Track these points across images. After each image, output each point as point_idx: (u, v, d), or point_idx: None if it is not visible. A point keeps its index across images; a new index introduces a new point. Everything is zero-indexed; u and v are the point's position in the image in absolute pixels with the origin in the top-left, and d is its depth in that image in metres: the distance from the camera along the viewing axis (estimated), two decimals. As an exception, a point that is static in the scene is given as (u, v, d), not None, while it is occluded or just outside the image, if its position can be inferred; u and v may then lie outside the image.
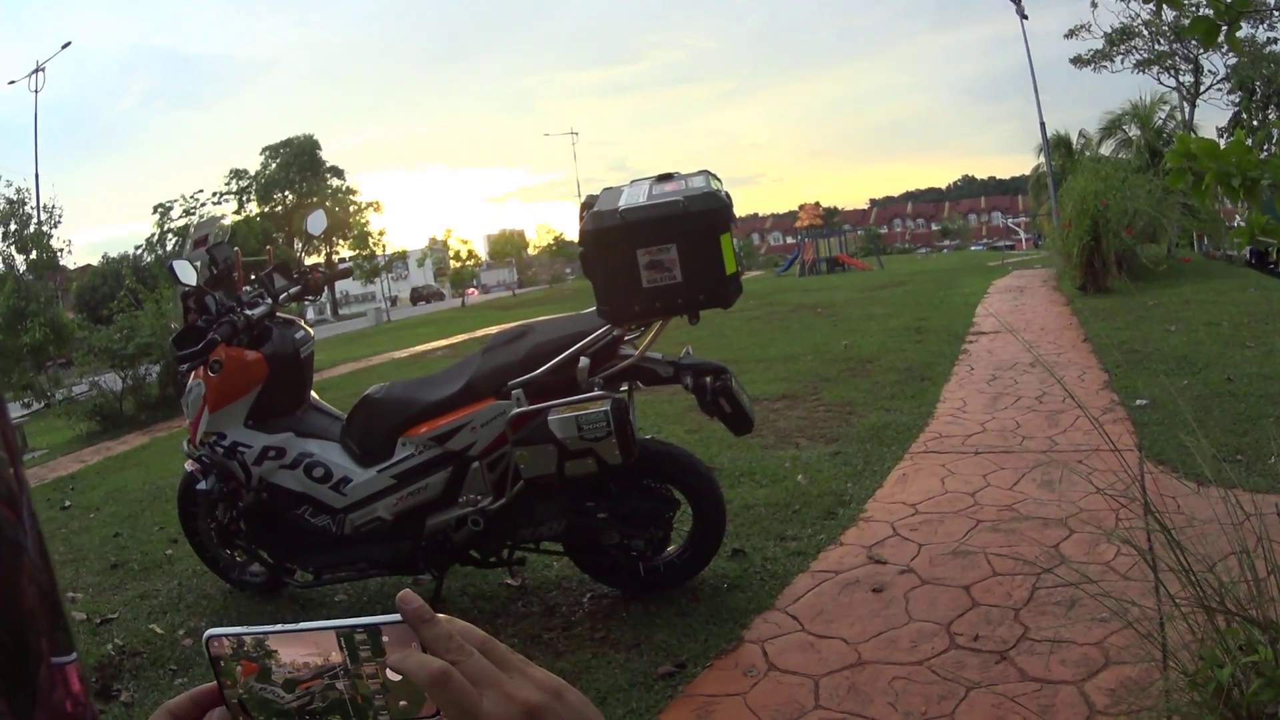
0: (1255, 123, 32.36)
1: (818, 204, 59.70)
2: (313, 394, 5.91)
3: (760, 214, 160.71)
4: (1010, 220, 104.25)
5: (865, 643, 4.36)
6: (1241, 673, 2.72)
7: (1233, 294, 14.50)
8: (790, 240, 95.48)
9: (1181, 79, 37.55)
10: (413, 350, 24.57)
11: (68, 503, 10.33)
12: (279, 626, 0.97)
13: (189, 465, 5.89)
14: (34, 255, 27.30)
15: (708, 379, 4.64)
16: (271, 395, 5.50)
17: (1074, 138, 39.42)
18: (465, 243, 72.60)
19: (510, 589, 5.70)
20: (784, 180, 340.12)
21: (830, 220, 59.44)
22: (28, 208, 28.04)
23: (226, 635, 0.96)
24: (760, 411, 7.94)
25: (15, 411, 22.61)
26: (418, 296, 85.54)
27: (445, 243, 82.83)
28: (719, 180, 4.54)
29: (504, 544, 5.24)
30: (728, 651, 4.48)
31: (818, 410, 9.48)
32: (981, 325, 14.64)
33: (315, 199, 75.39)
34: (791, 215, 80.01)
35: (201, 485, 5.67)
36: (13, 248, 27.57)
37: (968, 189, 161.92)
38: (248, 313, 5.44)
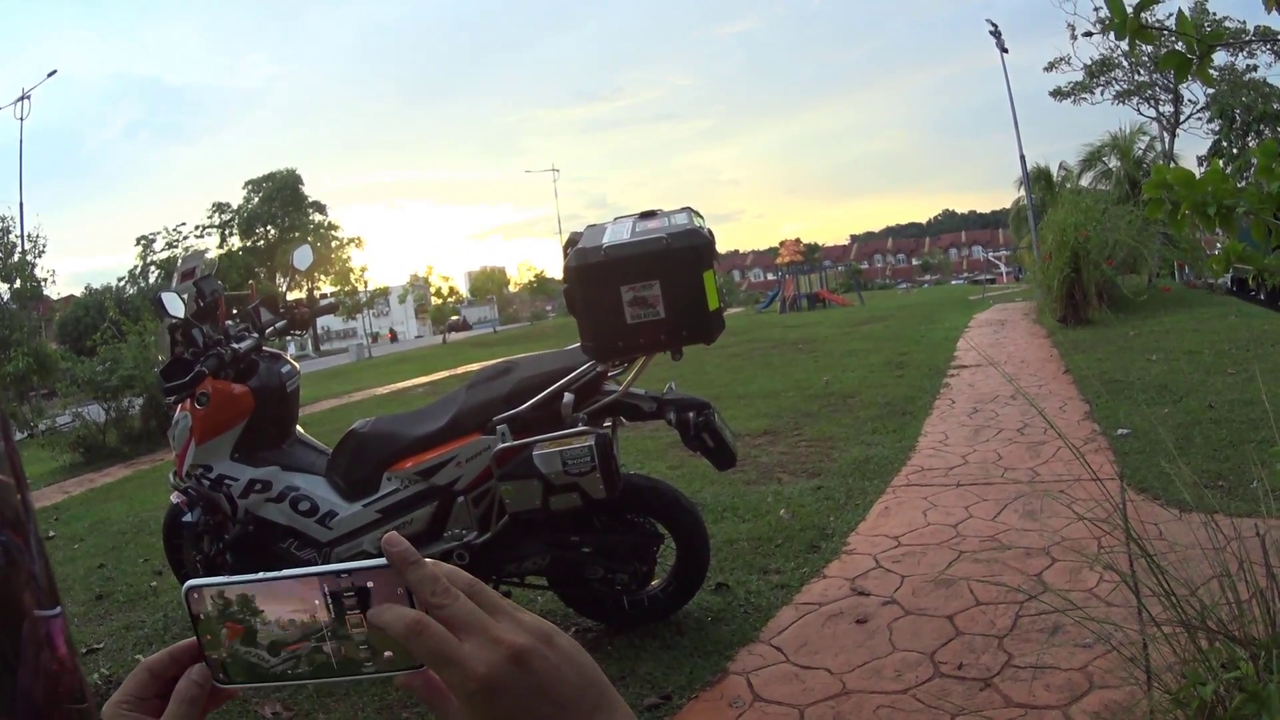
0: (1235, 150, 32.41)
1: (798, 240, 60.01)
2: (298, 428, 5.93)
3: (741, 250, 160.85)
4: (991, 254, 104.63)
5: (850, 673, 4.36)
6: (1224, 689, 2.74)
7: (1214, 322, 14.64)
8: (771, 276, 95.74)
9: (1161, 109, 37.74)
10: (394, 387, 24.73)
11: (52, 533, 10.31)
12: (262, 575, 0.96)
13: (175, 497, 5.88)
14: (17, 284, 27.27)
15: (691, 414, 4.67)
16: (258, 429, 5.53)
17: (1054, 170, 39.56)
18: (446, 279, 72.53)
19: None
20: (764, 217, 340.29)
21: (811, 256, 59.60)
22: (11, 236, 28.03)
23: (208, 588, 0.95)
24: (742, 447, 7.94)
25: None
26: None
27: (426, 279, 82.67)
28: (701, 217, 4.56)
29: (489, 578, 5.15)
30: (713, 683, 4.49)
31: (799, 445, 9.51)
32: (963, 359, 14.72)
33: (297, 234, 75.49)
34: (772, 251, 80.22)
35: (187, 517, 5.67)
36: None
37: (949, 223, 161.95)
38: (234, 346, 5.48)
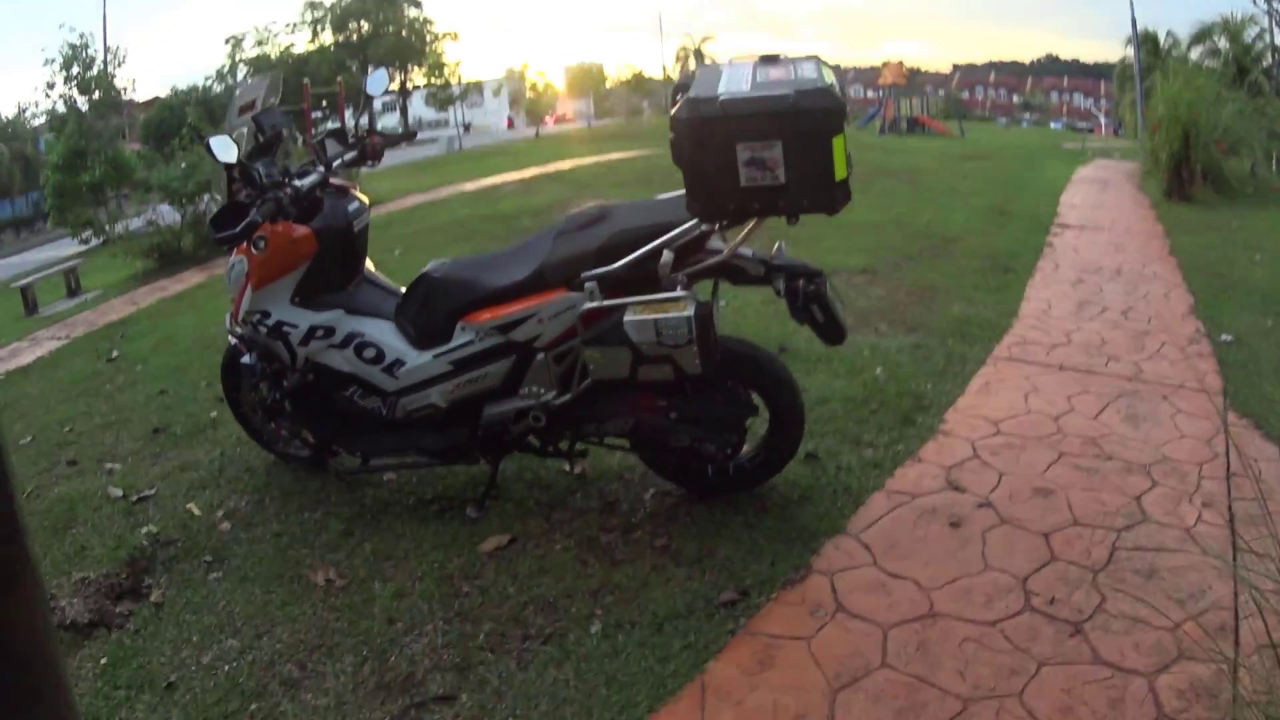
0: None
1: (901, 63, 59.51)
2: (368, 265, 5.63)
3: (842, 66, 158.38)
4: (1091, 104, 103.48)
5: (938, 589, 4.19)
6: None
7: (1319, 229, 14.22)
8: (871, 94, 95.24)
9: (1275, 3, 36.92)
10: (482, 183, 24.25)
11: (115, 353, 10.21)
12: None
13: (233, 339, 5.74)
14: (97, 96, 27.45)
15: (800, 283, 4.38)
16: (320, 271, 5.25)
17: (1161, 36, 38.96)
18: (542, 74, 72.67)
19: (569, 477, 5.57)
20: (867, 32, 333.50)
21: (913, 81, 59.03)
22: (90, 51, 28.17)
23: None
24: (841, 286, 7.63)
25: (71, 249, 23.44)
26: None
27: (522, 74, 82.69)
28: (830, 69, 4.13)
29: (565, 434, 5.07)
30: (794, 582, 4.33)
31: (899, 292, 9.30)
32: (1066, 217, 14.36)
33: (391, 28, 75.54)
34: (873, 70, 79.75)
35: (245, 359, 5.54)
36: (75, 89, 27.86)
37: (1051, 67, 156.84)
38: (296, 183, 5.09)
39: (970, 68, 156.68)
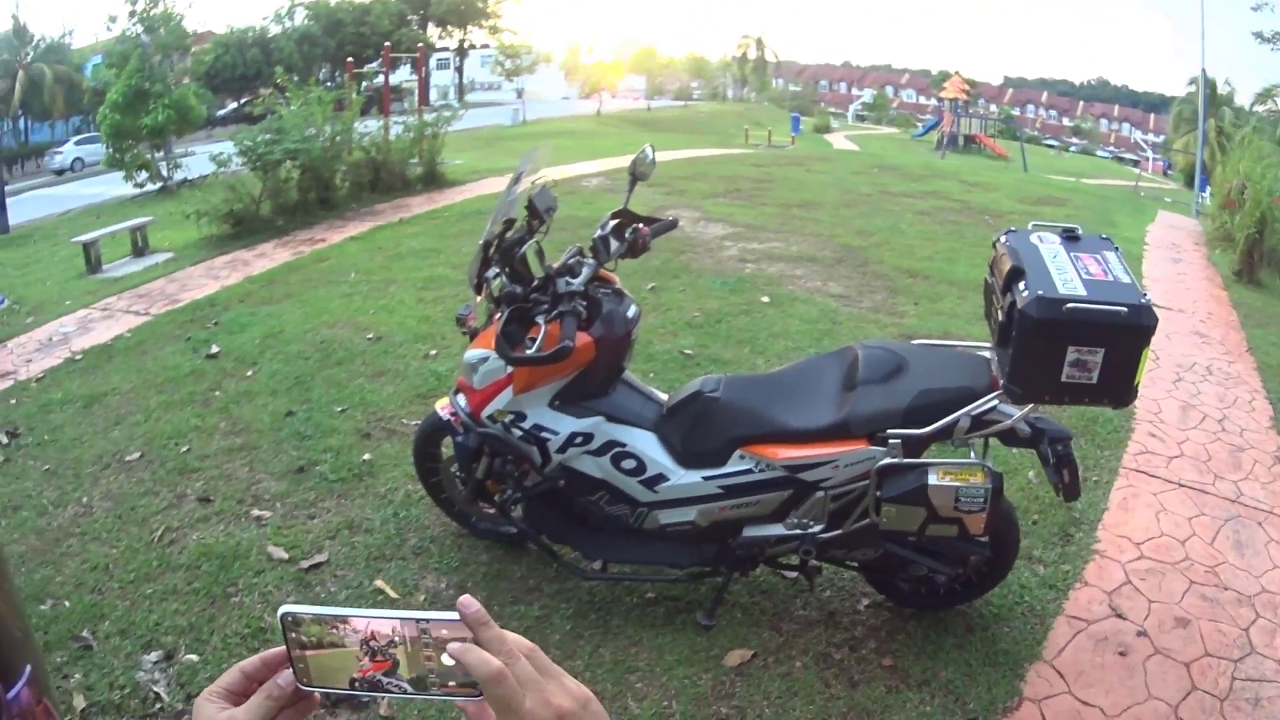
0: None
1: (958, 74, 60.33)
2: (626, 370, 5.40)
3: (894, 65, 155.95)
4: (1141, 136, 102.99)
5: (1117, 717, 4.86)
6: None
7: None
8: (924, 99, 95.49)
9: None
10: (562, 172, 22.73)
11: (215, 348, 9.35)
12: (349, 610, 1.19)
13: (443, 411, 5.55)
14: (162, 34, 27.09)
15: (1059, 447, 4.51)
16: (588, 377, 5.07)
17: (1220, 83, 39.33)
18: (616, 53, 73.28)
19: (787, 584, 5.69)
20: (918, 30, 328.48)
21: (974, 97, 59.58)
22: None
23: (304, 614, 1.18)
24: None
25: (125, 190, 23.18)
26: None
27: (589, 49, 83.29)
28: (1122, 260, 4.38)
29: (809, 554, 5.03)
30: (1012, 709, 4.81)
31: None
32: (1153, 293, 14.03)
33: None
34: (925, 74, 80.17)
35: (460, 440, 5.34)
36: (139, 26, 27.76)
37: (1101, 91, 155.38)
38: (571, 284, 4.93)
39: (1020, 81, 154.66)
